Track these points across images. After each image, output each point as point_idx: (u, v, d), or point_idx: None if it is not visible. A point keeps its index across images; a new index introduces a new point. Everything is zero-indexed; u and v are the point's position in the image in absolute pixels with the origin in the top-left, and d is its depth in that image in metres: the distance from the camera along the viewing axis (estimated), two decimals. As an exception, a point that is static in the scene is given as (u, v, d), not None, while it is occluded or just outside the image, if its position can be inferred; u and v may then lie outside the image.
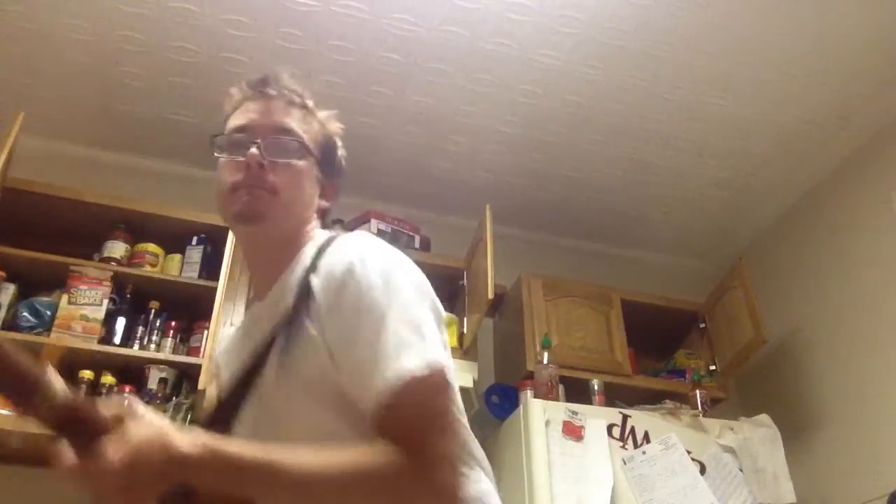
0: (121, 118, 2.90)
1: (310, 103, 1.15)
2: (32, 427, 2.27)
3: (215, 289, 2.36)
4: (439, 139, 3.00)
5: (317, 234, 1.10)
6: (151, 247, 2.61)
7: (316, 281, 0.97)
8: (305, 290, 0.97)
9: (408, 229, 2.96)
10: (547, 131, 2.95)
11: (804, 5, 2.41)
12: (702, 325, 3.17)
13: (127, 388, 2.34)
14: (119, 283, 2.49)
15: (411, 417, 0.86)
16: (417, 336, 0.90)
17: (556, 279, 3.02)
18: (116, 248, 2.57)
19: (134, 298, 2.52)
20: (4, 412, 2.17)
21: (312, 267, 0.99)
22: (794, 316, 3.13)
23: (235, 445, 0.83)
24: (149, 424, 0.78)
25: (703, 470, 2.41)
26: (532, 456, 2.29)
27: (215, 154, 1.09)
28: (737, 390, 3.18)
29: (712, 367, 3.04)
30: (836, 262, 2.99)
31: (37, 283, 2.46)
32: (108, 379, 2.32)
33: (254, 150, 1.04)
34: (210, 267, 2.61)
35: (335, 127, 1.18)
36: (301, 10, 2.47)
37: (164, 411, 2.33)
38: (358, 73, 2.69)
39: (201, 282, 2.56)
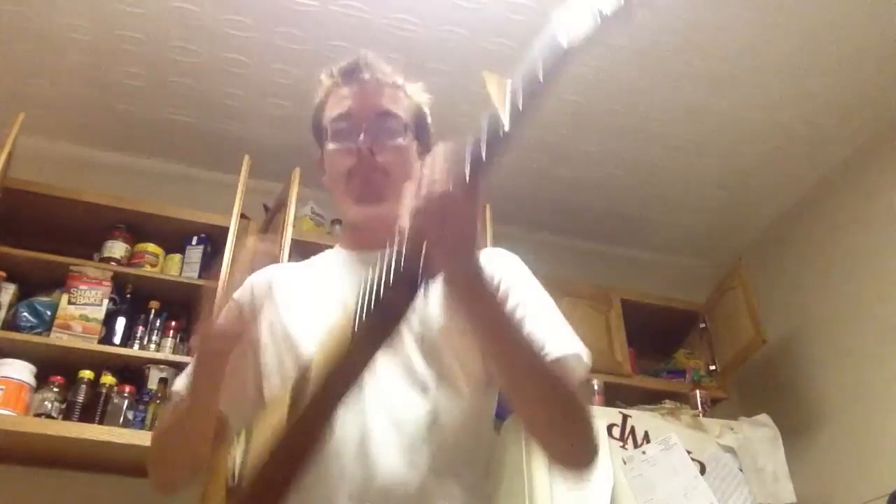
0: (121, 118, 2.90)
1: (399, 80, 1.18)
2: (32, 427, 2.25)
3: (215, 289, 2.36)
4: (439, 139, 2.99)
5: None
6: (151, 247, 2.61)
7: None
8: None
9: (408, 229, 2.96)
10: (547, 131, 2.95)
11: (805, 5, 2.41)
12: (702, 325, 3.17)
13: (127, 388, 2.34)
14: (119, 283, 2.49)
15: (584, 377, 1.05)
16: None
17: (556, 279, 3.02)
18: (116, 248, 2.57)
19: (134, 298, 2.52)
20: (4, 412, 2.18)
21: None
22: (794, 316, 3.13)
23: None
24: None
25: (703, 470, 2.41)
26: (532, 456, 2.29)
27: (325, 142, 1.15)
28: (737, 390, 3.18)
29: (712, 367, 3.04)
30: (837, 262, 2.99)
31: (37, 283, 2.46)
32: (108, 379, 2.32)
33: (362, 137, 1.09)
34: (210, 267, 2.61)
35: (424, 97, 1.22)
36: (301, 10, 2.47)
37: (164, 411, 2.34)
38: (358, 73, 2.69)
39: (201, 282, 2.56)
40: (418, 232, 0.77)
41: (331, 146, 1.14)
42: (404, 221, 0.78)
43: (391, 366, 0.99)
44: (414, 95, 1.20)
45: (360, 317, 0.82)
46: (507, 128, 0.74)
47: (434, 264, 0.79)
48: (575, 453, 0.99)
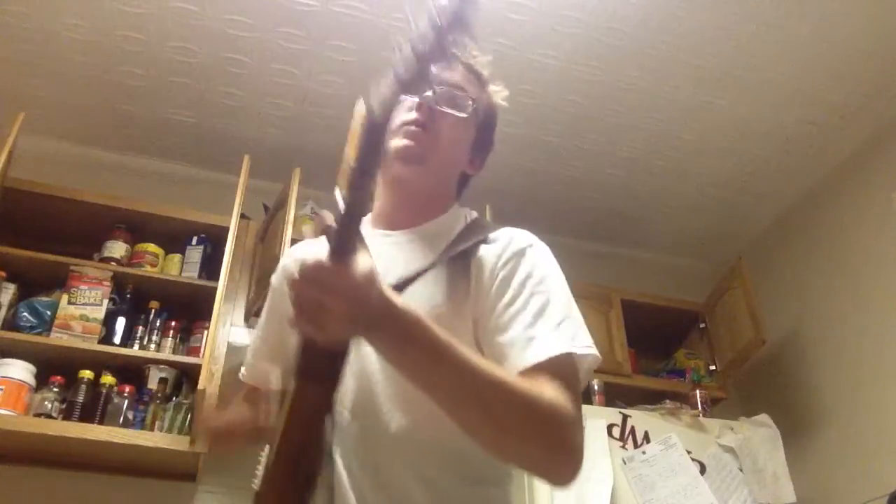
0: (121, 118, 2.90)
1: (485, 74, 1.21)
2: (32, 427, 2.25)
3: (215, 289, 2.36)
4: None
5: (456, 210, 1.21)
6: (151, 247, 2.61)
7: (489, 249, 1.07)
8: (474, 251, 1.07)
9: (408, 229, 2.96)
10: (547, 131, 2.95)
11: (804, 6, 2.42)
12: (702, 325, 3.17)
13: (127, 388, 2.34)
14: (119, 283, 2.49)
15: (575, 380, 0.95)
16: (583, 326, 1.02)
17: (556, 279, 3.02)
18: (116, 248, 2.57)
19: (134, 298, 2.52)
20: (4, 412, 2.18)
21: (483, 238, 1.10)
22: (794, 316, 3.13)
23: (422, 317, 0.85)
24: (367, 262, 0.79)
25: (703, 470, 2.41)
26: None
27: None
28: (737, 390, 3.18)
29: (712, 367, 3.04)
30: (836, 262, 2.99)
31: (37, 283, 2.46)
32: (108, 379, 2.32)
33: (429, 93, 1.11)
34: (210, 267, 2.61)
35: (500, 102, 1.24)
36: (301, 10, 2.47)
37: (164, 411, 2.34)
38: (358, 73, 2.69)
39: (201, 282, 2.56)
40: (303, 314, 0.77)
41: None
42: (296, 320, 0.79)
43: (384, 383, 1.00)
44: (493, 95, 1.22)
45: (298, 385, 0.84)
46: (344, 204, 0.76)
47: (336, 339, 0.79)
48: (547, 465, 0.91)
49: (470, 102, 1.16)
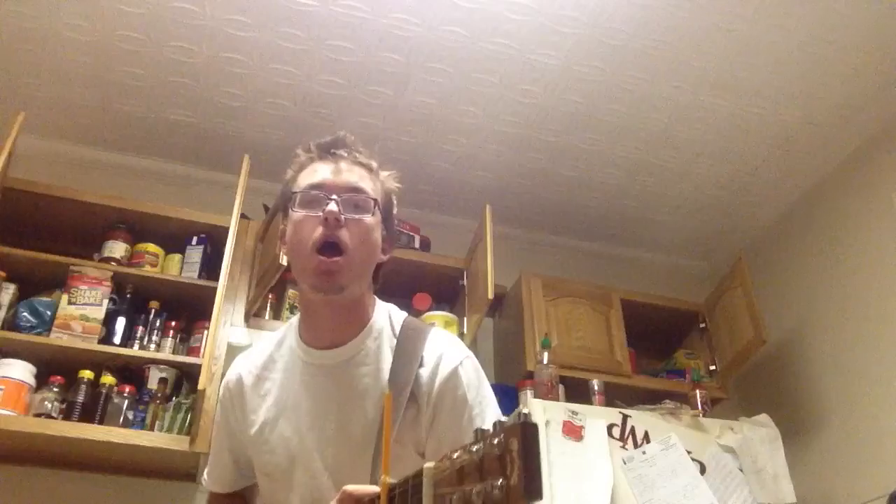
0: (121, 118, 2.91)
1: (374, 164, 1.23)
2: (32, 427, 2.26)
3: (215, 289, 2.36)
4: (439, 139, 3.00)
5: (379, 305, 1.23)
6: (151, 247, 2.61)
7: (423, 374, 1.13)
8: (415, 379, 1.13)
9: (408, 229, 2.96)
10: (547, 131, 2.95)
11: (804, 5, 2.42)
12: (702, 325, 3.17)
13: (127, 388, 2.34)
14: (119, 283, 2.49)
15: None
16: None
17: (556, 279, 3.02)
18: (116, 248, 2.57)
19: (134, 298, 2.52)
20: (4, 412, 2.18)
21: (414, 357, 1.14)
22: (794, 316, 3.13)
23: None
24: None
25: (703, 470, 2.41)
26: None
27: (292, 209, 1.16)
28: (737, 390, 3.18)
29: (712, 367, 3.04)
30: (837, 262, 2.99)
31: (37, 283, 2.46)
32: (108, 379, 2.32)
33: (332, 206, 1.12)
34: (210, 267, 2.61)
35: (394, 185, 1.26)
36: (301, 10, 2.47)
37: (164, 411, 2.34)
38: (358, 73, 2.69)
39: (201, 282, 2.56)
40: None
41: (299, 213, 1.15)
42: None
43: None
44: (385, 181, 1.24)
45: None
46: None
47: None
48: None
49: (369, 202, 1.16)
